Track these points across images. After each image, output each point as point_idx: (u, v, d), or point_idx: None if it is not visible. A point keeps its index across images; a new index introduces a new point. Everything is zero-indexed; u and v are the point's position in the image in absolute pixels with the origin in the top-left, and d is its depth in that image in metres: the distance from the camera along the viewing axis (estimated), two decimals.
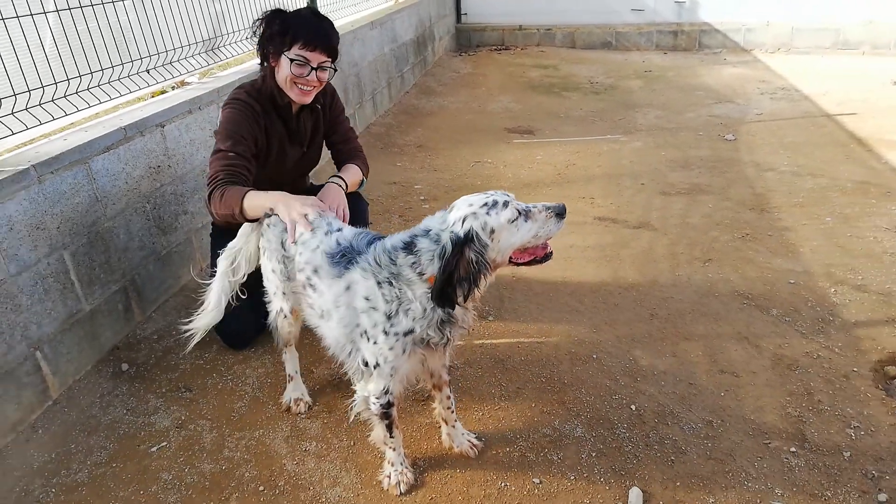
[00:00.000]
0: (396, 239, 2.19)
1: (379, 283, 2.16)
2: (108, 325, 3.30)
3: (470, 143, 6.48)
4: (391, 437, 2.43)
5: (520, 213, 2.06)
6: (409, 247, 2.12)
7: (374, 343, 2.20)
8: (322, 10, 6.16)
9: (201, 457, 2.64)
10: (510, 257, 2.11)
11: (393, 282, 2.13)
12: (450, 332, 2.22)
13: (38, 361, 2.87)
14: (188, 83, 4.41)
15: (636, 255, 4.16)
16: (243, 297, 3.14)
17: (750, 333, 3.33)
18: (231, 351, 3.30)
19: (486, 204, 2.04)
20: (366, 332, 2.21)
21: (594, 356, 3.19)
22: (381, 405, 2.34)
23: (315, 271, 2.35)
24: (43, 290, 2.89)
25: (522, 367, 3.12)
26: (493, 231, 2.03)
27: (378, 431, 2.44)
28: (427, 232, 2.11)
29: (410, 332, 2.17)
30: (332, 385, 3.04)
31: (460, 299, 2.04)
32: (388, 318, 2.16)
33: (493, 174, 5.65)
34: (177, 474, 2.56)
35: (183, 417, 2.86)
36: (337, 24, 6.58)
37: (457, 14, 11.22)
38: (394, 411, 2.39)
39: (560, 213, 2.09)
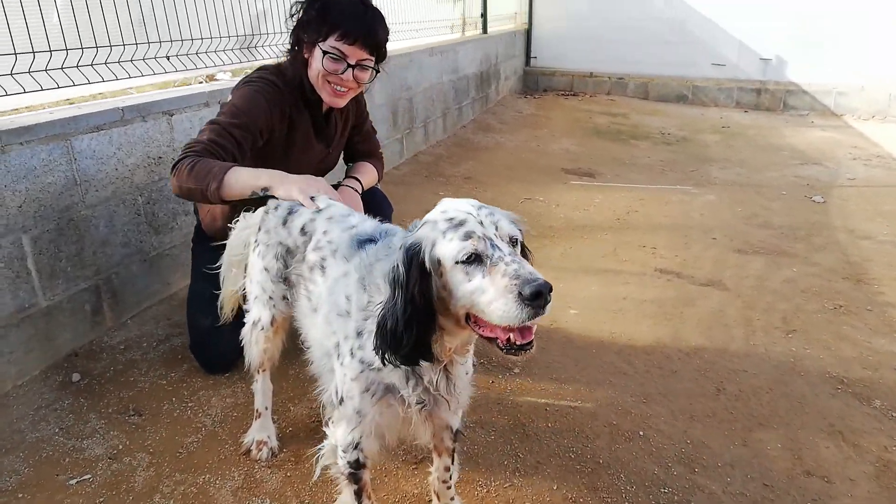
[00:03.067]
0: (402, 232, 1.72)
1: (359, 281, 1.70)
2: (69, 326, 2.84)
3: (522, 181, 5.95)
4: None
5: (473, 257, 1.41)
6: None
7: (342, 364, 1.72)
8: None
9: (126, 500, 2.10)
10: (467, 316, 1.48)
11: (365, 286, 1.65)
12: (422, 392, 1.65)
13: None
14: (217, 79, 4.06)
15: (703, 315, 3.47)
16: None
17: (846, 428, 2.59)
18: (201, 373, 2.77)
19: (451, 219, 1.48)
20: (338, 344, 1.74)
21: (641, 433, 2.52)
22: (347, 462, 1.79)
23: (334, 252, 1.88)
24: None
25: (547, 437, 2.47)
26: (439, 262, 1.47)
27: (345, 497, 1.87)
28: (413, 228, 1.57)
29: (376, 367, 1.63)
30: (308, 429, 2.47)
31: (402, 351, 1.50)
32: (358, 335, 1.66)
33: (544, 213, 5.07)
34: None
35: (121, 446, 2.33)
36: (392, 48, 6.28)
37: (526, 56, 10.87)
38: (365, 475, 1.82)
39: (532, 297, 1.31)
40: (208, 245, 2.82)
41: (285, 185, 2.10)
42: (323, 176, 2.83)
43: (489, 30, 9.22)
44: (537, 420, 2.57)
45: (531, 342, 1.43)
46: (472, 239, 1.42)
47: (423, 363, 1.58)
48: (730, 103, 9.79)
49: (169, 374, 2.75)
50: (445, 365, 1.64)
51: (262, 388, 2.37)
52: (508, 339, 1.42)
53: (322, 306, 1.87)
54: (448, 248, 1.43)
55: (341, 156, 2.97)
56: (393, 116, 5.98)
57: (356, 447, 1.76)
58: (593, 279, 3.88)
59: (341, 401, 1.74)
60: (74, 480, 2.17)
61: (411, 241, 1.50)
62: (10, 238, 2.53)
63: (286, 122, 2.54)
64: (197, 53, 3.72)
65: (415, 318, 1.45)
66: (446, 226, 1.47)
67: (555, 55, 10.73)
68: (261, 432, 2.36)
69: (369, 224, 1.91)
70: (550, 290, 1.33)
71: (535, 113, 9.11)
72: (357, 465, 1.78)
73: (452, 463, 1.98)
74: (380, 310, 1.52)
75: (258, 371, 2.34)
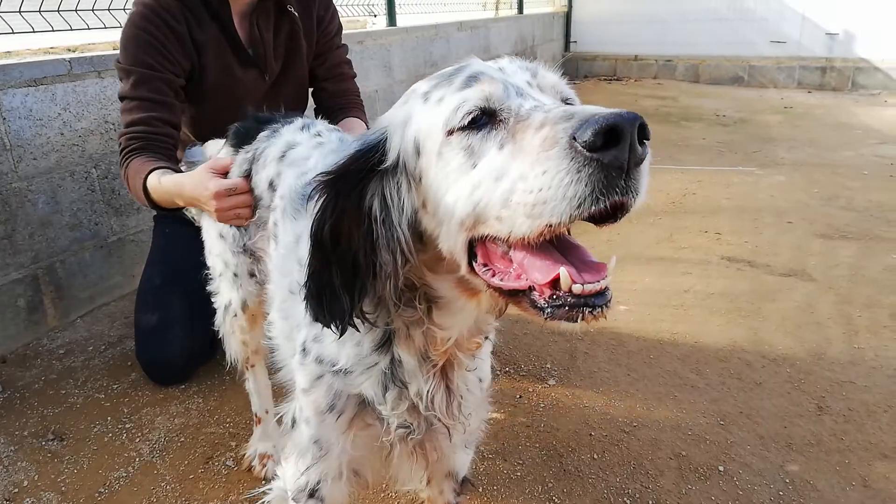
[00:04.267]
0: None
1: None
2: None
3: None
4: None
5: (482, 118, 0.78)
6: None
7: (294, 369, 1.16)
8: (402, 8, 5.28)
9: None
10: (472, 251, 0.83)
11: None
12: (408, 412, 1.03)
13: None
14: None
15: (787, 312, 2.77)
16: (171, 306, 2.11)
17: None
18: (151, 385, 2.21)
19: (443, 73, 0.87)
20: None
21: (721, 468, 1.86)
22: None
23: (284, 211, 1.32)
24: None
25: (592, 473, 1.83)
26: (418, 151, 0.84)
27: None
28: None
29: (341, 369, 1.03)
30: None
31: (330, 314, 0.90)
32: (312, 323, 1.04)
33: None
34: None
35: (26, 483, 1.78)
36: (419, 22, 5.70)
37: (565, 41, 10.15)
38: None
39: (600, 140, 0.67)
40: (169, 221, 2.26)
41: (198, 202, 1.53)
42: None
43: (525, 10, 8.56)
44: (579, 450, 1.92)
45: (604, 291, 0.75)
46: (481, 83, 0.79)
47: (405, 360, 0.98)
48: (791, 84, 8.89)
49: (111, 386, 2.20)
50: (443, 367, 1.01)
51: (255, 388, 1.86)
52: (554, 285, 0.75)
53: (276, 292, 1.31)
54: (434, 114, 0.81)
55: (310, 100, 2.32)
56: None
57: (313, 495, 1.16)
58: (646, 269, 3.20)
59: (293, 423, 1.17)
60: None
61: (369, 134, 0.90)
62: None
63: (189, 44, 1.90)
64: None
65: (319, 252, 0.86)
66: (434, 83, 0.86)
67: (596, 39, 9.98)
68: (264, 442, 1.84)
69: (327, 161, 1.30)
70: (643, 127, 0.69)
71: None
72: None
73: None
74: None
75: (246, 366, 1.80)
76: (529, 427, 2.01)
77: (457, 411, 1.05)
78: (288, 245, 1.25)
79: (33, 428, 1.99)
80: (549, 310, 0.76)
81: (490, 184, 0.75)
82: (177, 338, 2.10)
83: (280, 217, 1.32)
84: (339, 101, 2.20)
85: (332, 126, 1.57)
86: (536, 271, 0.77)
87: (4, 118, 2.26)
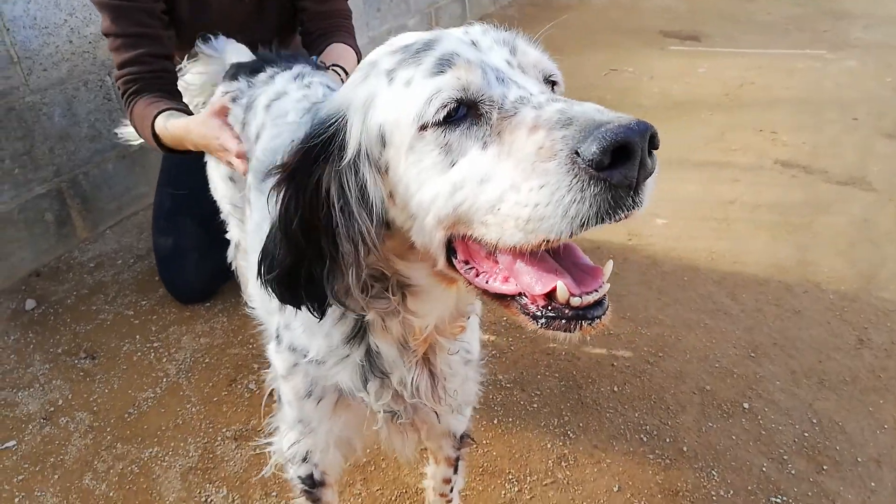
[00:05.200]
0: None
1: None
2: (27, 241, 2.35)
3: (609, 46, 4.91)
4: None
5: (459, 109, 0.68)
6: None
7: (272, 353, 1.14)
8: None
9: (50, 479, 1.64)
10: (450, 247, 0.75)
11: None
12: (393, 400, 0.99)
13: None
14: None
15: (841, 228, 2.59)
16: (185, 230, 2.10)
17: None
18: (177, 302, 2.24)
19: (407, 46, 0.75)
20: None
21: (745, 405, 1.81)
22: (299, 477, 1.25)
23: (254, 180, 1.32)
24: None
25: (611, 406, 1.81)
26: (383, 141, 0.74)
27: None
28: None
29: (313, 359, 1.00)
30: None
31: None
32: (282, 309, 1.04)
33: (632, 87, 4.12)
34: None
35: (61, 401, 1.86)
36: None
37: None
38: (326, 494, 1.27)
39: (608, 158, 0.58)
40: None
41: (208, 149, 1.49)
42: (257, 41, 1.83)
43: None
44: (599, 381, 1.89)
45: (601, 300, 0.70)
46: (457, 68, 0.69)
47: (384, 351, 0.93)
48: None
49: (139, 302, 2.24)
50: (425, 352, 0.97)
51: None
52: (550, 297, 0.69)
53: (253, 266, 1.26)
54: (403, 101, 0.71)
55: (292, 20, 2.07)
56: None
57: (305, 460, 1.19)
58: (692, 175, 3.01)
59: (279, 400, 1.18)
60: None
61: (324, 112, 0.79)
62: None
63: None
64: None
65: (292, 246, 0.79)
66: (398, 59, 0.74)
67: None
68: None
69: (300, 120, 1.22)
70: (653, 136, 0.60)
71: None
72: (312, 483, 1.23)
73: (455, 472, 1.38)
74: None
75: None
76: (550, 355, 1.98)
77: (442, 393, 1.01)
78: (257, 221, 1.22)
79: (66, 345, 2.06)
80: (543, 320, 0.71)
81: (474, 187, 0.68)
82: (192, 261, 2.11)
83: (252, 182, 1.27)
84: (321, 25, 1.92)
85: (325, 80, 1.45)
86: (531, 280, 0.71)
87: (8, 29, 2.16)
